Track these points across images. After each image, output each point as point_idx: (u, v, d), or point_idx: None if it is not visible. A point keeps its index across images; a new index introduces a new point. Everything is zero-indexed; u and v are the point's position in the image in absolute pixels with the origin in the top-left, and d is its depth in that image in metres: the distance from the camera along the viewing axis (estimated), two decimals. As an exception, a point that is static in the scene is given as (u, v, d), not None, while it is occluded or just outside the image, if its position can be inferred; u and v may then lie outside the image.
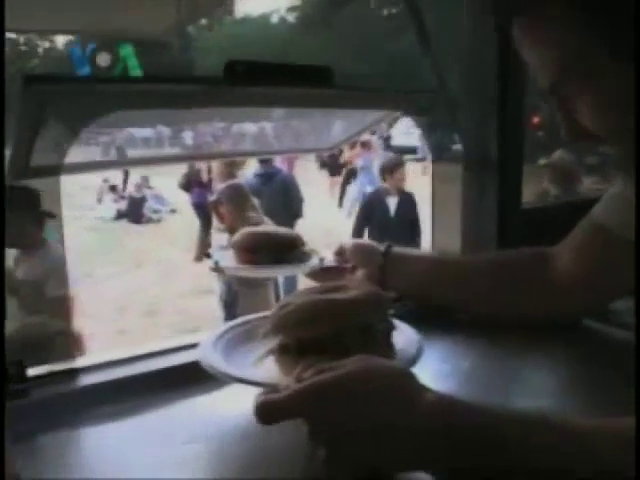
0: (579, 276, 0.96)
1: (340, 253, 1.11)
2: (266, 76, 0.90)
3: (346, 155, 11.04)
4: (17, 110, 0.83)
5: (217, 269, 1.10)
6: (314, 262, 1.08)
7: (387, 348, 0.74)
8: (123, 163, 1.24)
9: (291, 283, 4.38)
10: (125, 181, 11.50)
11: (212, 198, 4.22)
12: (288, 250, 1.07)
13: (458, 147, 1.34)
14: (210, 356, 0.78)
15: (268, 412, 0.57)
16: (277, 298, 3.86)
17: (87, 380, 0.82)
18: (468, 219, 1.36)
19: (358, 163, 10.51)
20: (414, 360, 0.76)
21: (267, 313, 0.78)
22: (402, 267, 1.05)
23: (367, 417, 0.55)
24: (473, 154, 1.34)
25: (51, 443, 0.71)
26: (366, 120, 1.32)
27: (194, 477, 0.63)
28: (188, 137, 1.43)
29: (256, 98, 0.95)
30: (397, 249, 1.07)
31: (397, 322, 0.81)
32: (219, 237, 3.89)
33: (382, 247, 1.08)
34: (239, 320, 0.91)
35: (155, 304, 6.07)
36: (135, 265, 7.40)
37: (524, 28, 0.72)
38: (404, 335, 0.81)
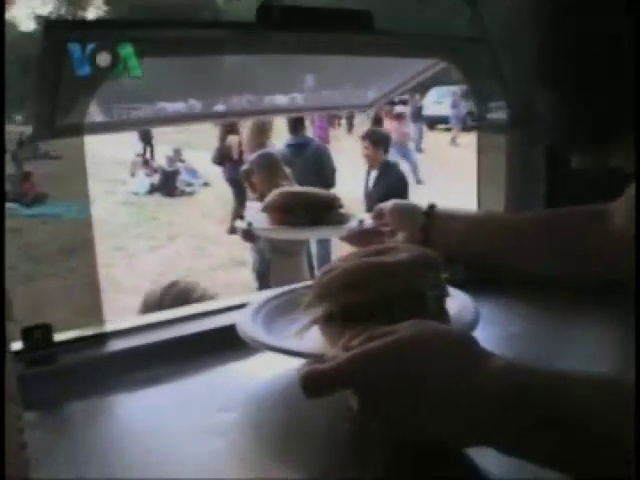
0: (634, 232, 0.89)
1: (379, 216, 1.05)
2: (302, 21, 0.84)
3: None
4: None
5: (249, 232, 1.05)
6: (352, 224, 1.02)
7: (440, 315, 0.67)
8: (145, 123, 1.19)
9: (325, 251, 4.33)
10: (145, 149, 11.53)
11: (244, 167, 4.18)
12: (324, 211, 1.01)
13: (502, 110, 1.27)
14: (250, 327, 0.73)
15: (315, 383, 0.52)
16: (310, 267, 3.82)
17: (117, 345, 0.78)
18: (514, 179, 1.30)
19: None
20: (470, 327, 0.70)
21: (310, 282, 0.72)
22: (446, 226, 0.98)
23: (427, 385, 0.50)
24: (518, 110, 1.26)
25: (80, 411, 0.68)
26: (404, 75, 1.25)
27: (229, 445, 0.59)
28: (220, 110, 1.38)
29: (290, 45, 0.89)
30: (440, 208, 1.01)
31: (450, 288, 0.74)
32: (252, 207, 3.87)
33: (424, 207, 1.02)
34: (280, 290, 0.85)
35: (189, 277, 6.09)
36: (169, 238, 7.43)
37: None
38: (458, 302, 0.75)
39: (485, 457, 0.53)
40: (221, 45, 0.86)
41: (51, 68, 0.76)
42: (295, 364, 0.69)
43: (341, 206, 1.05)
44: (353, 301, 0.64)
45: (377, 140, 4.92)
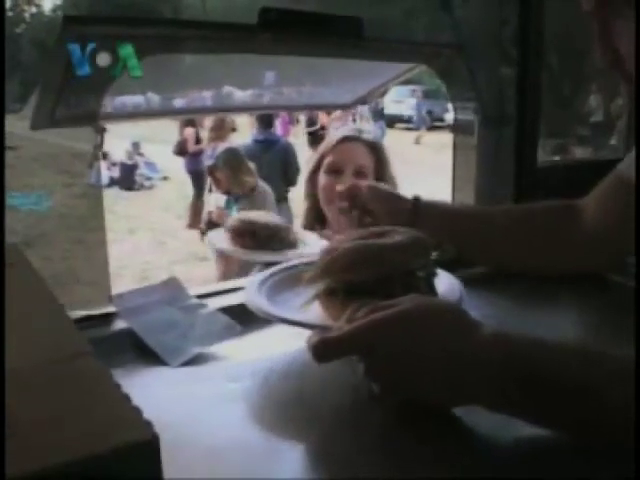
0: (603, 228, 0.96)
1: (350, 196, 1.05)
2: (298, 24, 0.90)
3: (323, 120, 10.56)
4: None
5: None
6: (296, 251, 1.16)
7: (430, 293, 0.74)
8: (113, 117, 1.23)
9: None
10: (101, 141, 11.35)
11: (209, 163, 4.20)
12: (270, 239, 1.18)
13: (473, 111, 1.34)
14: (257, 299, 0.78)
15: (326, 349, 0.58)
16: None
17: (124, 324, 0.82)
18: (483, 178, 1.37)
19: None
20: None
21: (312, 259, 0.78)
22: (428, 220, 1.03)
23: (425, 351, 0.56)
24: (489, 112, 1.34)
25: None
26: (384, 75, 1.32)
27: (242, 410, 0.63)
28: (178, 104, 1.43)
29: (285, 46, 0.95)
30: (423, 201, 1.04)
31: (437, 269, 0.80)
32: (213, 201, 3.90)
33: (408, 197, 1.05)
34: (282, 265, 0.91)
35: (148, 270, 6.05)
36: (128, 231, 7.36)
37: None
38: (445, 282, 0.82)
39: (472, 414, 0.59)
40: (220, 44, 0.91)
41: (64, 63, 0.80)
42: (295, 340, 0.74)
43: (286, 236, 1.19)
44: (354, 279, 0.70)
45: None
